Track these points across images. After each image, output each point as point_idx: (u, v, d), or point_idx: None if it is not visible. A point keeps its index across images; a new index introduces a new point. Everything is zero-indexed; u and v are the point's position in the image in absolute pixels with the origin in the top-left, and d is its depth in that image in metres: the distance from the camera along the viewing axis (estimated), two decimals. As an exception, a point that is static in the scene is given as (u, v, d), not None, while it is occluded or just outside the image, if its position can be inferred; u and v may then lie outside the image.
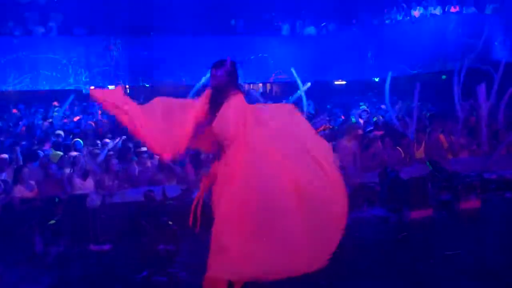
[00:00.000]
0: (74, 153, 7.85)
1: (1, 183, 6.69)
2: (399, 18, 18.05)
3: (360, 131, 9.34)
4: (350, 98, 17.95)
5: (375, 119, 12.26)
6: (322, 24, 20.10)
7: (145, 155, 7.75)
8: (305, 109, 10.98)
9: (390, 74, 10.51)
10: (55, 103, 16.87)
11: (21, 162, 7.63)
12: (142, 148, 7.98)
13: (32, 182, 6.76)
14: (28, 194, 6.52)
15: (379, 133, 9.16)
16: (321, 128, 9.10)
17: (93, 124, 12.98)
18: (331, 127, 9.39)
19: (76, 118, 14.74)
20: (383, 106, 14.31)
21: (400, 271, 4.95)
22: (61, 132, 10.85)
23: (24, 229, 5.55)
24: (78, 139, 8.89)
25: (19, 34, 17.31)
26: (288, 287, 4.63)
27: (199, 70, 17.90)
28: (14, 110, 16.16)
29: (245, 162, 3.74)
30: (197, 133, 3.89)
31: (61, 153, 7.96)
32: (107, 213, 6.01)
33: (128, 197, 6.50)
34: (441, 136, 8.97)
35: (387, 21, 18.52)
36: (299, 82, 11.52)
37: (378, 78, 18.97)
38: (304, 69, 19.46)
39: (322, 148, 4.03)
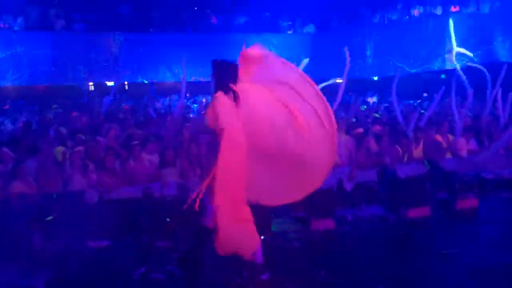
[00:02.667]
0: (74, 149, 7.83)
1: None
2: (399, 17, 18.05)
3: (361, 130, 9.35)
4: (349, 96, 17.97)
5: (377, 115, 12.26)
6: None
7: (138, 148, 7.69)
8: None
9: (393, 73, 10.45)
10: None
11: None
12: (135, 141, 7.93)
13: (30, 178, 6.74)
14: (26, 189, 6.50)
15: (377, 128, 9.17)
16: None
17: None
18: None
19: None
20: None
21: (398, 270, 4.96)
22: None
23: (22, 225, 5.54)
24: (79, 135, 8.84)
25: (18, 29, 17.28)
26: (288, 284, 4.65)
27: (198, 67, 17.93)
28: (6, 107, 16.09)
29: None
30: None
31: (63, 148, 7.94)
32: (105, 210, 6.00)
33: (126, 193, 6.49)
34: (437, 136, 8.97)
35: (387, 20, 18.51)
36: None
37: (377, 77, 18.98)
38: (303, 67, 19.46)
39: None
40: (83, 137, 8.72)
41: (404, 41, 17.03)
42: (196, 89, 19.88)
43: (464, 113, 9.45)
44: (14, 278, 4.89)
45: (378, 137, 8.76)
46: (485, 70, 11.02)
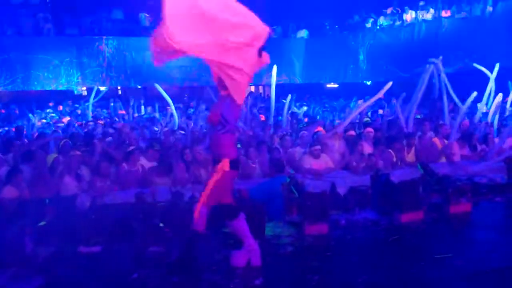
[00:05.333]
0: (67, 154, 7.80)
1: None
2: (391, 22, 18.13)
3: (353, 132, 9.38)
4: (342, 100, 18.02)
5: (366, 119, 12.25)
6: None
7: (137, 153, 7.69)
8: None
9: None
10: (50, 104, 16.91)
11: None
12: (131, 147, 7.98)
13: (24, 183, 6.71)
14: (18, 194, 6.47)
15: (369, 130, 9.19)
16: (317, 130, 9.15)
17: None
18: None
19: (65, 119, 14.66)
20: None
21: (391, 274, 4.96)
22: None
23: (14, 230, 5.51)
24: (68, 140, 8.81)
25: (11, 34, 17.23)
26: (282, 285, 4.65)
27: (191, 71, 17.92)
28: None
29: None
30: None
31: (55, 155, 7.91)
32: (97, 215, 5.98)
33: (118, 198, 6.46)
34: (435, 139, 9.01)
35: (379, 25, 18.59)
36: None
37: (370, 82, 19.04)
38: (296, 71, 19.54)
39: None
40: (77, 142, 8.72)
41: (396, 46, 17.10)
42: (190, 93, 19.88)
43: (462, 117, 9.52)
44: (6, 283, 4.86)
45: (371, 141, 8.78)
46: (487, 71, 11.09)
